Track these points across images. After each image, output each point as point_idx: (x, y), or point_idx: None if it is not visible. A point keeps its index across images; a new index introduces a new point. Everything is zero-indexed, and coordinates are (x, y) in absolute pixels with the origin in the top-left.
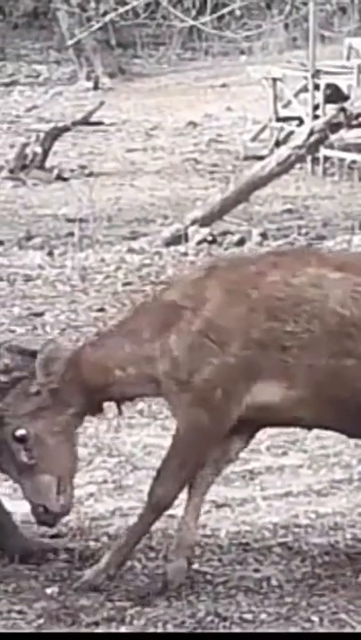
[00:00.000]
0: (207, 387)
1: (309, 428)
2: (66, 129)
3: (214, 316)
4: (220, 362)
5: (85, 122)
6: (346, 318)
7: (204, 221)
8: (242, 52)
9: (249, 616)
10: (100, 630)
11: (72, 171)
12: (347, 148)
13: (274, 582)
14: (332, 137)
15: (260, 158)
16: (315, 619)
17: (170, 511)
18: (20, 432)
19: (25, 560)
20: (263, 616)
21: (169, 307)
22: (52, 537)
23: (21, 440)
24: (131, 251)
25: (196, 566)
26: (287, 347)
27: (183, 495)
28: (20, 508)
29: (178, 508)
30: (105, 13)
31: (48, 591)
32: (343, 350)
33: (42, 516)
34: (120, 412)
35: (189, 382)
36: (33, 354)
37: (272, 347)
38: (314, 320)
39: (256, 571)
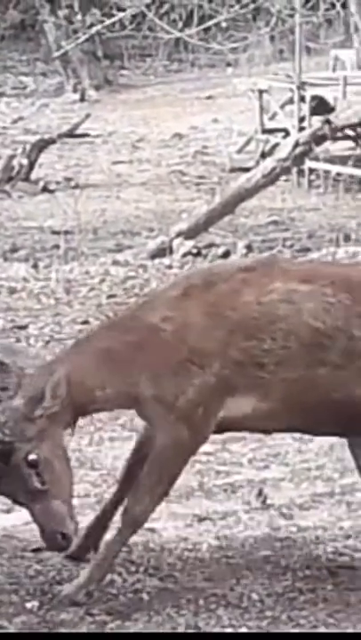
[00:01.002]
0: (190, 406)
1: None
2: (52, 141)
3: (196, 341)
4: (202, 382)
5: (71, 134)
6: (320, 330)
7: (190, 234)
8: (228, 64)
9: (229, 630)
10: None
11: (58, 183)
12: (332, 160)
13: (255, 596)
14: (318, 149)
15: (246, 170)
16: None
17: (151, 525)
18: (32, 457)
19: None
20: (243, 630)
21: (148, 328)
22: (34, 551)
23: (33, 465)
24: (115, 263)
25: (177, 580)
26: (264, 363)
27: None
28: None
29: (159, 522)
30: (91, 25)
31: (28, 605)
32: (316, 361)
33: (59, 541)
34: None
35: (174, 404)
36: None
37: (249, 364)
38: (290, 336)
39: (237, 584)
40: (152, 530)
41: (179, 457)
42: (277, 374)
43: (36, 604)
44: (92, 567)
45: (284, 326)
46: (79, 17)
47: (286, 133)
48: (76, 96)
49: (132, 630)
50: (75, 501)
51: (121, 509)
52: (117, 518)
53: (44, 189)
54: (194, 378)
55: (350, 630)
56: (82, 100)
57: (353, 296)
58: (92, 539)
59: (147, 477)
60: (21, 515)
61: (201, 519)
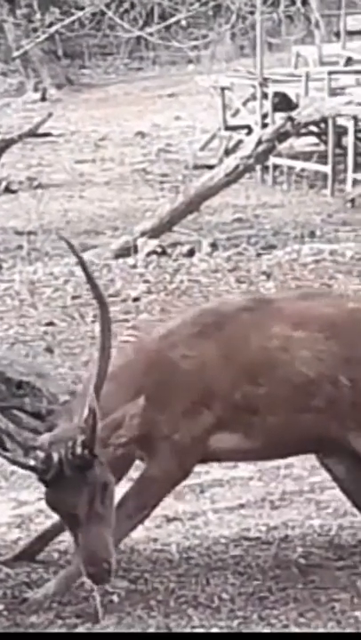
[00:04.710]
0: (191, 444)
1: None
2: (13, 141)
3: (210, 382)
4: (205, 422)
5: (33, 133)
6: (310, 378)
7: (154, 233)
8: (189, 61)
9: (200, 631)
10: None
11: (20, 183)
12: (296, 156)
13: (225, 596)
14: (281, 145)
15: (210, 167)
16: (266, 632)
17: None
18: (106, 480)
19: None
20: (214, 630)
21: (170, 365)
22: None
23: (104, 488)
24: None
25: (147, 581)
26: (258, 408)
27: None
28: None
29: None
30: (51, 24)
31: None
32: (302, 407)
33: (104, 569)
34: None
35: (179, 442)
36: (19, 385)
37: (245, 408)
38: (284, 383)
39: (207, 585)
40: None
41: (165, 489)
42: (265, 418)
43: (1, 607)
44: (60, 580)
45: (281, 373)
46: (38, 16)
47: (249, 130)
48: (37, 95)
49: (102, 632)
50: (43, 504)
51: None
52: None
53: (7, 190)
54: (201, 418)
55: (321, 630)
56: (43, 99)
57: (340, 341)
58: (44, 541)
59: (131, 502)
60: None
61: (170, 520)
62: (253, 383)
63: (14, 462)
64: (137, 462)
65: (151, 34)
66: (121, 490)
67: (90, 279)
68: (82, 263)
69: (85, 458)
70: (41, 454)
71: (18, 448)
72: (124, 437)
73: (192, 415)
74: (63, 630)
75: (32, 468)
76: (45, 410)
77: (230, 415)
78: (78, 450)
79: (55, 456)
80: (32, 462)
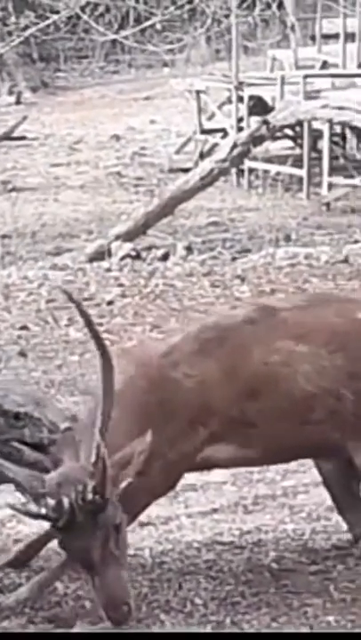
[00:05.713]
0: (181, 459)
1: None
2: None
3: (209, 399)
4: (200, 439)
5: (8, 137)
6: (311, 393)
7: (128, 236)
8: (165, 65)
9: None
10: None
11: None
12: (271, 159)
13: (198, 601)
14: (257, 149)
15: (185, 170)
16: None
17: None
18: (118, 521)
19: None
20: None
21: (172, 384)
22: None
23: (117, 529)
24: (54, 267)
25: None
26: (255, 422)
27: None
28: None
29: None
30: (25, 28)
31: None
32: (302, 419)
33: (125, 612)
34: None
35: (172, 459)
36: (17, 416)
37: (241, 422)
38: (284, 398)
39: (179, 589)
40: None
41: (147, 501)
42: (263, 431)
43: None
44: (33, 586)
45: (282, 389)
46: (13, 19)
47: (225, 133)
48: (12, 99)
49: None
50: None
51: None
52: None
53: None
54: (194, 435)
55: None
56: (18, 102)
57: (345, 354)
58: (33, 550)
59: None
60: None
61: (143, 524)
62: (253, 399)
63: (26, 514)
64: None
65: (126, 37)
66: None
67: (93, 331)
68: (86, 319)
69: (97, 503)
70: (51, 501)
71: (26, 495)
72: (132, 474)
73: (187, 433)
74: None
75: (44, 517)
76: (47, 440)
77: (226, 429)
78: (89, 496)
79: (66, 502)
80: (43, 511)
